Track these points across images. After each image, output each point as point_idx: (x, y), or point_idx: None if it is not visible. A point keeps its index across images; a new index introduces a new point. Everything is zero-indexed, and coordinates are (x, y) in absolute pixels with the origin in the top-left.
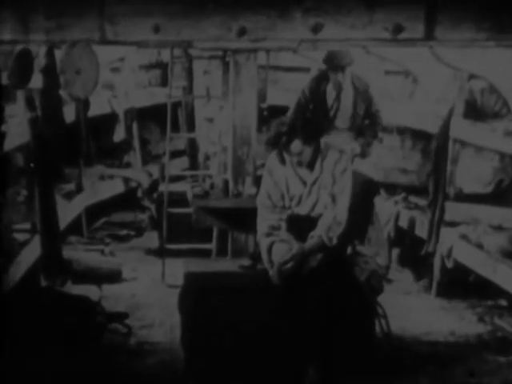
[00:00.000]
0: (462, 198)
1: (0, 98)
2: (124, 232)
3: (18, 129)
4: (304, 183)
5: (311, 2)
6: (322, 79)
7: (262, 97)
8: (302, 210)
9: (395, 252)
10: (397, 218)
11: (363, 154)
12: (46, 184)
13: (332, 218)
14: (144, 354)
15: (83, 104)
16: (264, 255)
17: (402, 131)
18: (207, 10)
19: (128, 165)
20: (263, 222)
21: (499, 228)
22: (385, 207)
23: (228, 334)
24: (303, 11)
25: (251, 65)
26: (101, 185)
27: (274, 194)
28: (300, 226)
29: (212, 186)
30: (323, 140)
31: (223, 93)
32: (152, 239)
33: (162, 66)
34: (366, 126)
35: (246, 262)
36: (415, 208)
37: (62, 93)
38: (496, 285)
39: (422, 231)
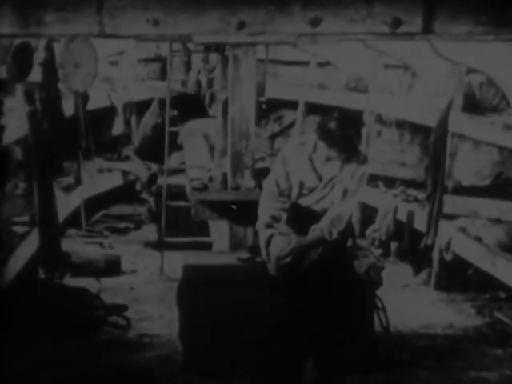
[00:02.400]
0: (461, 191)
1: None
2: (123, 225)
3: (17, 122)
4: (320, 178)
5: None
6: None
7: (260, 90)
8: (309, 201)
9: (394, 245)
10: (395, 212)
11: None
12: (45, 177)
13: (336, 214)
14: (143, 346)
15: (82, 97)
16: (262, 247)
17: (400, 125)
18: (206, 4)
19: (127, 158)
20: (265, 210)
21: (497, 221)
22: (383, 200)
23: (226, 328)
24: (302, 5)
25: (250, 58)
26: (99, 178)
27: (283, 184)
28: (301, 217)
29: (211, 180)
30: None
31: (222, 86)
32: (151, 232)
33: (160, 60)
34: None
35: (245, 255)
36: (414, 201)
37: (61, 86)
38: (494, 277)
39: (420, 224)
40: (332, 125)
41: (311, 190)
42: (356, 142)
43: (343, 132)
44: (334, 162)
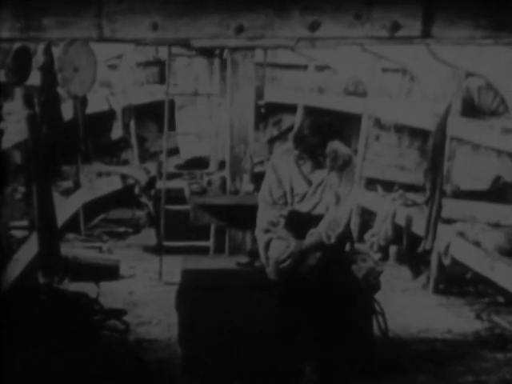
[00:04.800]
0: (459, 195)
1: None
2: (122, 229)
3: (16, 126)
4: (309, 182)
5: (308, 0)
6: None
7: (259, 94)
8: (303, 208)
9: (393, 249)
10: (394, 216)
11: None
12: (44, 181)
13: (333, 218)
14: (141, 351)
15: (81, 101)
16: (261, 251)
17: (399, 129)
18: (205, 8)
19: (125, 162)
20: (263, 217)
21: (496, 225)
22: (382, 204)
23: (225, 332)
24: (300, 9)
25: (249, 62)
26: (98, 182)
27: (276, 192)
28: (299, 222)
29: (209, 184)
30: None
31: (221, 90)
32: (150, 236)
33: (159, 64)
34: None
35: (244, 259)
36: (412, 205)
37: (60, 90)
38: (493, 282)
39: (419, 228)
40: (303, 131)
41: (302, 196)
42: (318, 153)
43: (308, 140)
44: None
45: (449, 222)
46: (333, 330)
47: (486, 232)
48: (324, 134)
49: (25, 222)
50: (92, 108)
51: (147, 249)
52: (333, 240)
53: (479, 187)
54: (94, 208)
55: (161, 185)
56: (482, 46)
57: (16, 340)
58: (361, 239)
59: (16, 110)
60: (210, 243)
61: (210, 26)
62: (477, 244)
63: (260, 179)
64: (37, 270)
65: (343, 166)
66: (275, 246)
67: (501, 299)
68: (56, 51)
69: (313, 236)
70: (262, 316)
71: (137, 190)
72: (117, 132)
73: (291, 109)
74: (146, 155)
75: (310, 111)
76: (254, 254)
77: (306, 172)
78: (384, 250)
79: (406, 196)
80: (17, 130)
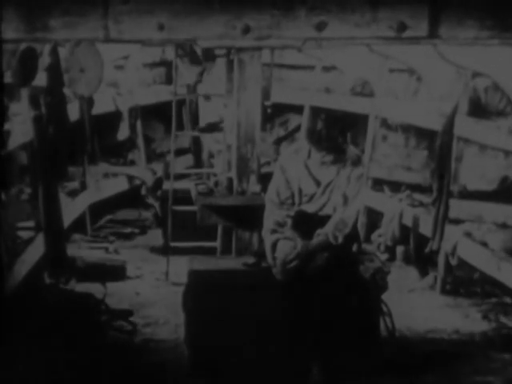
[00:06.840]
0: (466, 195)
1: (4, 97)
2: (128, 230)
3: (22, 127)
4: (317, 183)
5: (315, 1)
6: None
7: (266, 95)
8: (311, 208)
9: (399, 250)
10: (401, 216)
11: None
12: (50, 182)
13: (340, 219)
14: (148, 351)
15: (87, 102)
16: (268, 252)
17: (406, 129)
18: (212, 8)
19: (132, 163)
20: (270, 218)
21: (503, 225)
22: (389, 205)
23: (232, 332)
24: (307, 9)
25: (255, 63)
26: (105, 183)
27: (284, 192)
28: (306, 223)
29: (216, 184)
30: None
31: (227, 91)
32: (156, 237)
33: (166, 64)
34: None
35: (251, 259)
36: (419, 206)
37: (67, 91)
38: (500, 282)
39: (426, 229)
40: (317, 126)
41: (311, 197)
42: (341, 142)
43: (327, 132)
44: (330, 166)
45: (456, 222)
46: (339, 329)
47: (493, 232)
48: (341, 122)
49: (31, 223)
50: (98, 108)
51: (154, 249)
52: (340, 240)
53: (486, 187)
54: (100, 209)
55: (168, 185)
56: (489, 46)
57: (22, 341)
58: (368, 240)
59: (22, 110)
60: (216, 244)
61: (216, 26)
62: (484, 244)
63: (267, 180)
64: (43, 270)
65: (352, 167)
66: (282, 247)
67: (508, 299)
68: (62, 52)
69: (320, 236)
70: (269, 316)
71: (143, 191)
72: (123, 132)
73: (298, 109)
74: (152, 156)
75: (317, 111)
76: (260, 255)
77: (325, 165)
78: (391, 251)
79: (413, 196)
80: (23, 130)
